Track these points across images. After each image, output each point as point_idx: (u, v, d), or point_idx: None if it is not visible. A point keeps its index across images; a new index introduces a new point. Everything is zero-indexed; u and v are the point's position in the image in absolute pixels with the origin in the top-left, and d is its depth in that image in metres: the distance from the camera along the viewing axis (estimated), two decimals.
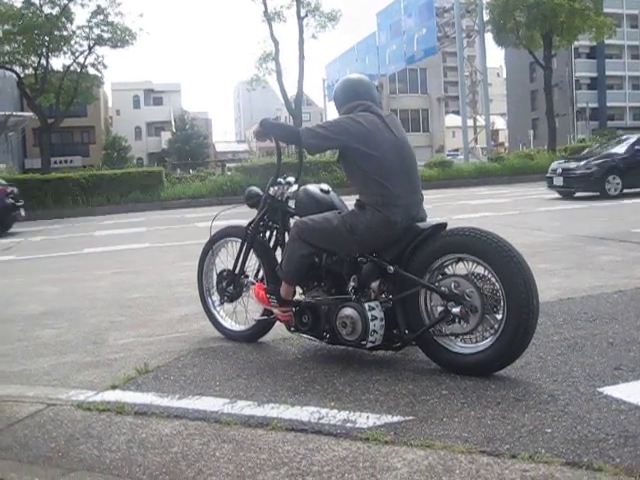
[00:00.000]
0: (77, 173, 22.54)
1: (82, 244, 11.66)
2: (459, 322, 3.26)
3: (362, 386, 3.23)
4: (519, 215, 12.09)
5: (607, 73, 59.86)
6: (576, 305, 4.70)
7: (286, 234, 4.03)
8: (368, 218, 3.42)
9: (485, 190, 20.19)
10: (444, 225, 3.42)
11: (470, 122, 38.73)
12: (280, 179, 4.09)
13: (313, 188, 3.92)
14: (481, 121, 46.42)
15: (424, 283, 3.34)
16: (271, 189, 4.08)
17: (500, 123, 68.73)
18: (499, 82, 76.02)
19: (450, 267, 3.40)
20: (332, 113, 47.73)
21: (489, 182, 23.74)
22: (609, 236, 8.28)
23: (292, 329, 3.87)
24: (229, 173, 27.77)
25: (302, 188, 3.94)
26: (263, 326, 4.18)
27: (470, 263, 3.31)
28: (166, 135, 61.36)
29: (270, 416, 2.88)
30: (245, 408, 3.01)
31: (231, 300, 4.30)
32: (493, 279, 3.21)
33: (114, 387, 3.43)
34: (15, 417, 3.02)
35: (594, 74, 60.14)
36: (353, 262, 3.60)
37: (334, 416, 2.84)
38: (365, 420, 2.77)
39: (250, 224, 4.15)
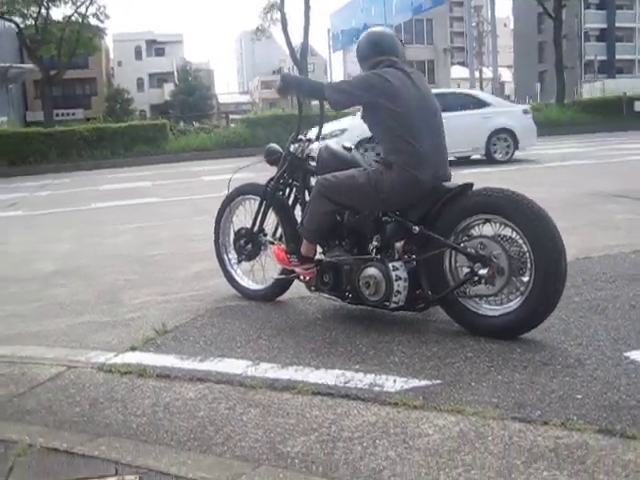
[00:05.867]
0: (81, 126, 22.33)
1: (90, 199, 11.59)
2: (485, 284, 3.21)
3: (385, 348, 3.20)
4: (529, 170, 11.97)
5: (617, 24, 58.73)
6: (594, 265, 4.64)
7: (306, 192, 3.96)
8: (395, 177, 3.33)
9: None
10: (471, 185, 3.34)
11: (476, 74, 38.11)
12: (301, 136, 4.00)
13: (335, 145, 3.83)
14: (488, 73, 45.73)
15: (450, 244, 3.28)
16: (291, 146, 3.99)
17: (506, 75, 67.76)
18: (506, 33, 74.71)
19: (476, 228, 3.33)
20: (337, 64, 47.03)
21: None
22: (621, 193, 8.19)
23: (312, 289, 3.82)
24: (232, 126, 27.52)
25: (324, 145, 3.85)
26: (281, 285, 4.14)
27: (497, 224, 3.25)
28: (169, 87, 60.58)
29: (295, 379, 2.85)
30: (269, 371, 2.97)
31: (249, 259, 4.25)
32: (521, 241, 3.15)
33: (133, 349, 3.40)
34: (37, 380, 3.00)
35: (604, 25, 59.04)
36: (376, 221, 3.53)
37: (360, 380, 2.81)
38: (392, 384, 2.74)
39: (269, 182, 4.07)
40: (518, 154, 14.06)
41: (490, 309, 3.28)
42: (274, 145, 4.23)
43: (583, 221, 6.42)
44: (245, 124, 24.03)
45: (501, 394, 2.59)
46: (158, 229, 7.70)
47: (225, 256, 4.47)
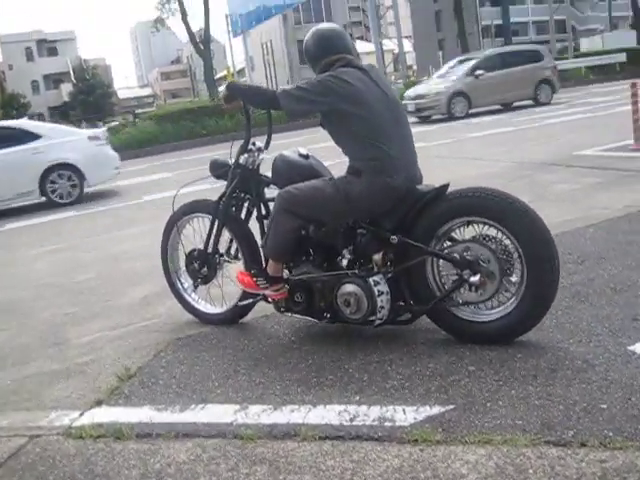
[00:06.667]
0: None
1: (1, 218, 10.81)
2: (475, 291, 3.01)
3: (378, 370, 2.96)
4: (453, 143, 11.95)
5: None
6: (557, 245, 4.49)
7: (262, 205, 3.68)
8: (364, 184, 3.07)
9: None
10: (447, 187, 3.12)
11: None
12: (250, 146, 3.68)
13: (290, 154, 3.54)
14: (390, 45, 45.71)
15: (433, 251, 3.06)
16: (241, 157, 3.67)
17: (407, 46, 68.03)
18: (401, 4, 75.18)
19: (458, 231, 3.13)
20: (237, 48, 46.08)
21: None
22: (552, 161, 8.24)
23: (282, 309, 3.54)
24: (137, 121, 26.51)
25: (278, 155, 3.55)
26: (244, 306, 3.84)
27: (480, 225, 3.05)
28: (66, 87, 58.20)
29: (294, 422, 2.57)
30: (261, 415, 2.68)
31: (205, 282, 3.92)
32: (507, 241, 2.97)
33: (99, 403, 3.03)
34: None
35: None
36: (347, 233, 3.28)
37: (366, 414, 2.56)
38: (403, 415, 2.51)
39: (221, 198, 3.75)
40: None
41: (482, 315, 3.10)
42: (220, 158, 3.90)
43: (528, 196, 6.21)
44: (153, 120, 23.06)
45: (523, 414, 2.41)
46: (84, 248, 7.18)
47: (177, 281, 4.13)
